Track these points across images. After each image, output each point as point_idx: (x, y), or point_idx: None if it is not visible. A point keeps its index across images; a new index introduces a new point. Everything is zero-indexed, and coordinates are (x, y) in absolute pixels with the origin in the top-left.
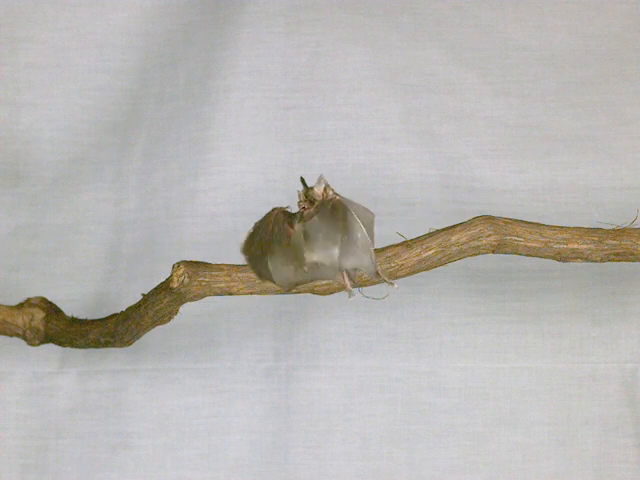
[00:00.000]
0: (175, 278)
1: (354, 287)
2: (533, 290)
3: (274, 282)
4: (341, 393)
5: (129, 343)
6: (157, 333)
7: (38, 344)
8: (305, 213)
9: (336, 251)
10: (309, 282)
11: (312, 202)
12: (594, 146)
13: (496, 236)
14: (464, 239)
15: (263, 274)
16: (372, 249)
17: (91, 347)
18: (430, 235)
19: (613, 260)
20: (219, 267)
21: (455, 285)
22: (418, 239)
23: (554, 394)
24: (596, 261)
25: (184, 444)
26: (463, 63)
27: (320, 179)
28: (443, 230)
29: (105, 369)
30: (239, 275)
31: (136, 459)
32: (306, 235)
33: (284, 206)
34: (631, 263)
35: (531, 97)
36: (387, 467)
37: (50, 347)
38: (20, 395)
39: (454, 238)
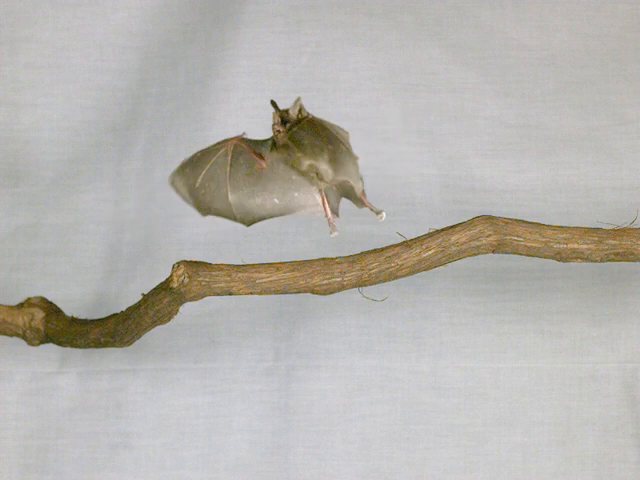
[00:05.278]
0: (175, 278)
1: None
2: (533, 290)
3: (232, 218)
4: (341, 393)
5: (129, 343)
6: (157, 333)
7: (38, 344)
8: (280, 136)
9: (325, 156)
10: (277, 216)
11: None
12: (594, 146)
13: (496, 236)
14: (464, 239)
15: (213, 208)
16: (357, 163)
17: (91, 347)
18: (430, 235)
19: (613, 260)
20: (219, 267)
21: (455, 285)
22: (418, 239)
23: (554, 394)
24: (596, 261)
25: (184, 444)
26: (463, 63)
27: (297, 101)
28: (443, 230)
29: (105, 369)
30: (239, 275)
31: (136, 459)
32: (294, 140)
33: (240, 134)
34: (631, 263)
35: (531, 97)
36: (387, 467)
37: (50, 347)
38: (20, 395)
39: (454, 238)
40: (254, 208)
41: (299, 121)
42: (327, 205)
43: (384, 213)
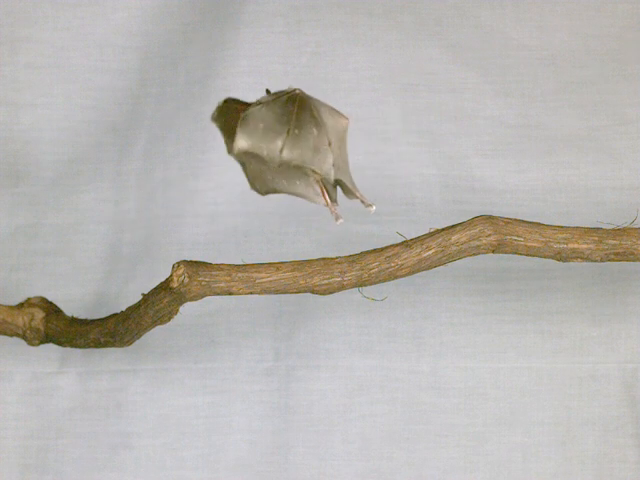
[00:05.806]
0: (175, 278)
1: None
2: (533, 290)
3: (251, 184)
4: (341, 393)
5: (129, 343)
6: (157, 333)
7: (38, 344)
8: None
9: (279, 143)
10: (289, 194)
11: None
12: (594, 146)
13: (496, 236)
14: (464, 239)
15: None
16: (329, 150)
17: (91, 347)
18: (430, 235)
19: (613, 260)
20: (219, 267)
21: (455, 285)
22: (418, 239)
23: (554, 394)
24: (596, 261)
25: (184, 444)
26: (463, 63)
27: (289, 88)
28: (443, 230)
29: (105, 369)
30: (239, 275)
31: (136, 459)
32: (243, 121)
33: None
34: (631, 263)
35: (531, 97)
36: (387, 467)
37: (50, 347)
38: (20, 395)
39: (454, 238)
40: (266, 182)
41: (279, 94)
42: (327, 195)
43: (374, 207)
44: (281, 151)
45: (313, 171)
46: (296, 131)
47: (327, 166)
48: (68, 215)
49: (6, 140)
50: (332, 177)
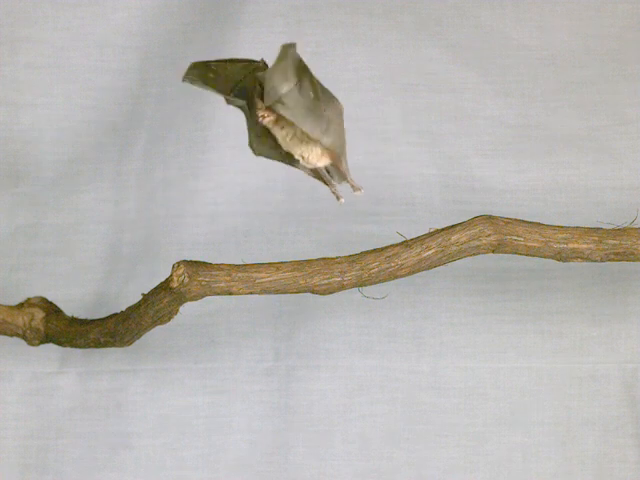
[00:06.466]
0: (175, 278)
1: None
2: (533, 290)
3: (250, 141)
4: (341, 393)
5: (129, 343)
6: (157, 333)
7: (38, 344)
8: (266, 121)
9: (283, 90)
10: (280, 160)
11: None
12: (594, 146)
13: (496, 236)
14: (464, 239)
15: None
16: (325, 115)
17: (91, 347)
18: (430, 235)
19: (613, 260)
20: (219, 267)
21: (455, 285)
22: (417, 239)
23: (554, 394)
24: (596, 261)
25: (184, 444)
26: (463, 63)
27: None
28: (443, 230)
29: (105, 369)
30: (239, 275)
31: (136, 459)
32: (277, 58)
33: (259, 61)
34: (631, 263)
35: (531, 97)
36: (387, 467)
37: (50, 347)
38: (20, 395)
39: (454, 238)
40: (264, 147)
41: (292, 56)
42: (326, 176)
43: (362, 190)
44: (277, 99)
45: (305, 141)
46: (294, 90)
47: (320, 129)
48: (68, 215)
49: (6, 140)
50: (324, 143)
